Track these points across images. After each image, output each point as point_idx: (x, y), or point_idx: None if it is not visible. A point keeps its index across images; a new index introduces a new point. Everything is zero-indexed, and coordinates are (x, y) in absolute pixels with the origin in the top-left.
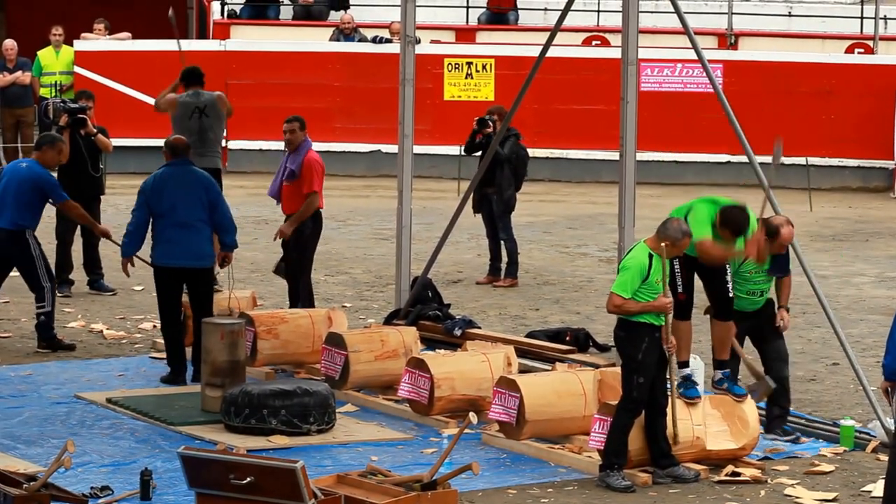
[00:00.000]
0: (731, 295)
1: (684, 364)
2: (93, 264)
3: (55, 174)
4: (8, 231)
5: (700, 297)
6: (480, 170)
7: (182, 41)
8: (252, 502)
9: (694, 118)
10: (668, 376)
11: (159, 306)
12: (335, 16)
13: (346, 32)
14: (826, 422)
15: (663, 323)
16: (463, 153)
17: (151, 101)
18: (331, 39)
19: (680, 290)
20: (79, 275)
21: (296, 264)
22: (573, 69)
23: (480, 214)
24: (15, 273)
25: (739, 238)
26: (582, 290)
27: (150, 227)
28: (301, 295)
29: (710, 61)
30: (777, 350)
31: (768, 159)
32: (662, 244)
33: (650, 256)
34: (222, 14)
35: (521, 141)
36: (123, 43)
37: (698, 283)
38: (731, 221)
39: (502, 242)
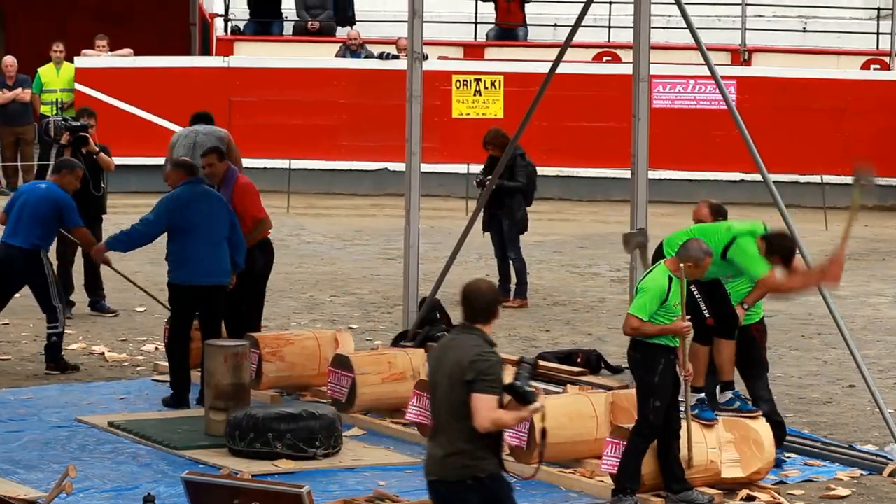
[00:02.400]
0: (734, 313)
1: (698, 389)
2: (94, 285)
3: None
4: (23, 250)
5: None
6: (487, 191)
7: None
8: None
9: (707, 135)
10: (681, 398)
11: (179, 326)
12: (341, 32)
13: (352, 48)
14: (842, 445)
15: (677, 345)
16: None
17: (152, 118)
18: (337, 55)
19: (707, 314)
20: (80, 296)
21: (250, 302)
22: (584, 86)
23: (489, 234)
24: (17, 294)
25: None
26: (593, 311)
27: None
28: (250, 326)
29: (723, 77)
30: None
31: (783, 177)
32: (683, 265)
33: (669, 279)
34: (226, 30)
35: (526, 157)
36: (125, 60)
37: None
38: (782, 248)
39: (511, 262)
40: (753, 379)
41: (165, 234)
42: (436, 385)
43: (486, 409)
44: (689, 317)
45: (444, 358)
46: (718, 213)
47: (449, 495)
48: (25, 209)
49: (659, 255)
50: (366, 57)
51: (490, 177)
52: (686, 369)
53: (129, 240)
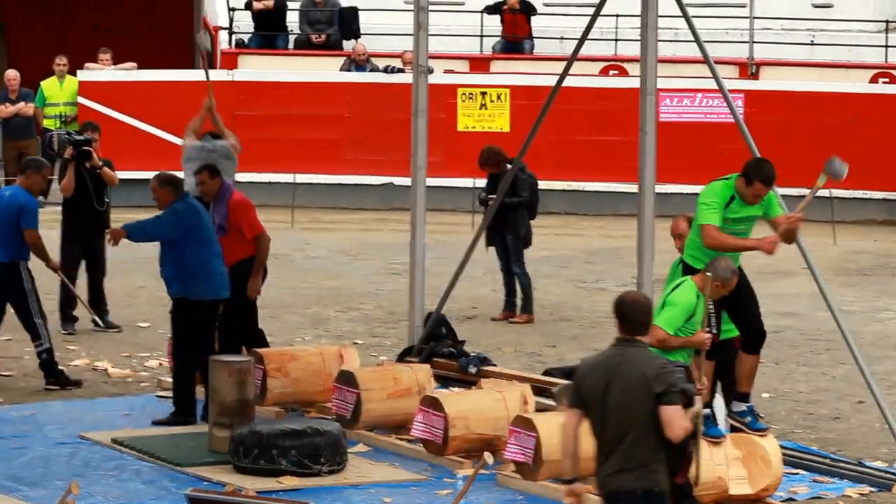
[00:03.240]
0: (763, 329)
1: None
2: (97, 301)
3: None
4: (2, 264)
5: None
6: (491, 209)
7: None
8: None
9: (714, 149)
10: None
11: (202, 342)
12: (346, 46)
13: (358, 62)
14: (851, 461)
15: (690, 363)
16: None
17: (157, 132)
18: (342, 69)
19: (713, 330)
20: (83, 311)
21: (246, 317)
22: (590, 99)
23: (494, 248)
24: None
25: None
26: (600, 326)
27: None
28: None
29: (730, 91)
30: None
31: (790, 191)
32: (709, 284)
33: (697, 297)
34: (230, 43)
35: (527, 170)
36: (128, 73)
37: None
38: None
39: (516, 277)
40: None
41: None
42: (606, 403)
43: (678, 418)
44: (709, 329)
45: (616, 374)
46: None
47: None
48: None
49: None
50: (371, 70)
51: (493, 196)
52: (702, 383)
53: (143, 232)
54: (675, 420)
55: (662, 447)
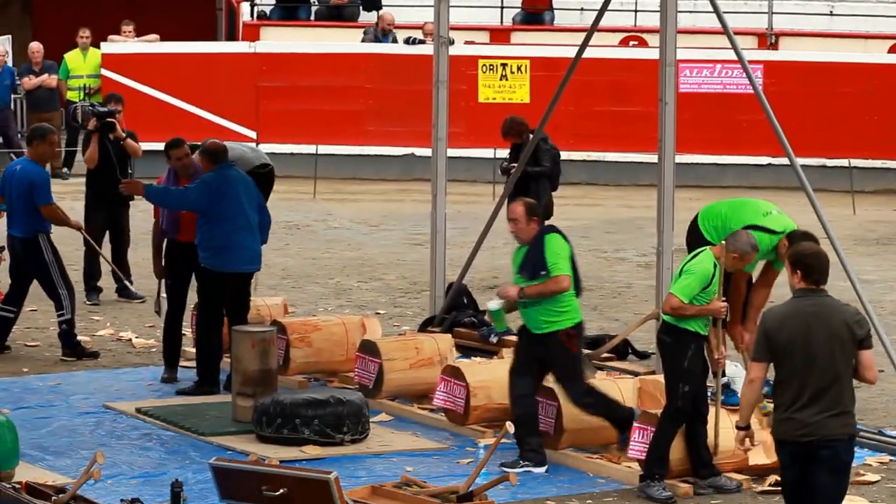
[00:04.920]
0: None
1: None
2: (121, 271)
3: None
4: (22, 240)
5: None
6: (513, 178)
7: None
8: None
9: (734, 120)
10: (710, 384)
11: (215, 313)
12: (366, 17)
13: (385, 31)
14: (872, 430)
15: (707, 333)
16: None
17: (179, 103)
18: (364, 40)
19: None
20: (107, 282)
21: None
22: (610, 70)
23: None
24: None
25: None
26: (621, 297)
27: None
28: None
29: (750, 62)
30: None
31: (810, 161)
32: (727, 254)
33: (714, 266)
34: (252, 15)
35: (549, 141)
36: (151, 45)
37: None
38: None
39: None
40: None
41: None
42: (812, 352)
43: (874, 362)
44: (724, 298)
45: (816, 323)
46: None
47: (828, 454)
48: (13, 196)
49: (694, 228)
50: (392, 41)
51: (515, 164)
52: (719, 352)
53: (166, 195)
54: (873, 364)
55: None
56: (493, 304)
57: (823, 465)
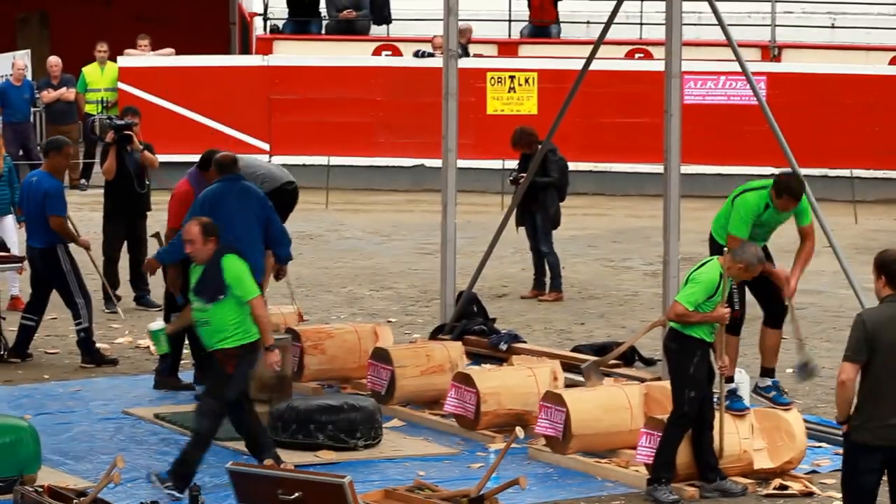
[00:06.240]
0: (785, 303)
1: (730, 379)
2: (139, 280)
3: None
4: (40, 250)
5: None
6: (521, 189)
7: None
8: None
9: (738, 131)
10: (715, 390)
11: None
12: (376, 30)
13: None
14: None
15: (713, 340)
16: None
17: (195, 116)
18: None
19: (736, 306)
20: (125, 290)
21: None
22: (616, 82)
23: (524, 228)
24: None
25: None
26: (627, 304)
27: None
28: None
29: (753, 73)
30: None
31: (812, 171)
32: (733, 265)
33: (720, 276)
34: (265, 29)
35: (558, 152)
36: (167, 59)
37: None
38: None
39: (544, 256)
40: None
41: None
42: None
43: None
44: (727, 304)
45: None
46: None
47: None
48: (30, 207)
49: (710, 238)
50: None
51: (524, 174)
52: (723, 360)
53: (173, 248)
54: None
55: None
56: (155, 325)
57: None
